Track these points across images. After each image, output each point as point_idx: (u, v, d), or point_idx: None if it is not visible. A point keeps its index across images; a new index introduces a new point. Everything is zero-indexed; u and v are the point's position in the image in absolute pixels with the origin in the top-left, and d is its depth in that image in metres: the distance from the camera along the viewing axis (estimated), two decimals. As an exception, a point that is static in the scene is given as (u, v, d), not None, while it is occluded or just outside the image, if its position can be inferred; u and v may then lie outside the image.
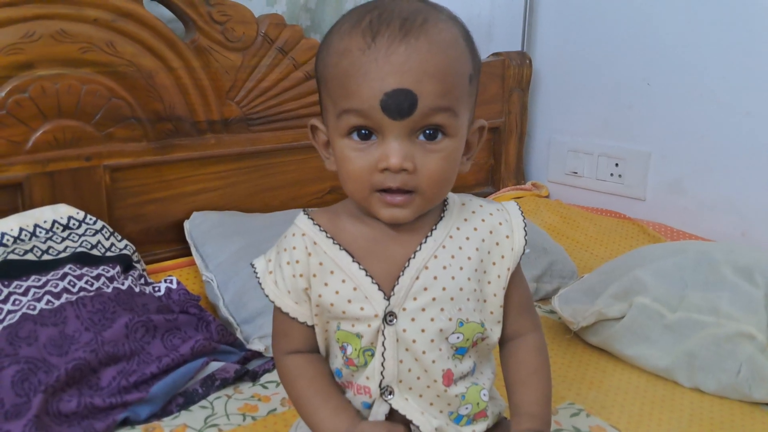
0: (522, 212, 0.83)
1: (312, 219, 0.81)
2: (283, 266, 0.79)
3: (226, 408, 1.09)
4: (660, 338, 1.18)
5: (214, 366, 1.16)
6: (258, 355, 1.24)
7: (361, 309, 0.77)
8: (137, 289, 1.25)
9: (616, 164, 1.94)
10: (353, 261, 0.77)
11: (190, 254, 1.50)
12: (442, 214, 0.80)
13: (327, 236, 0.79)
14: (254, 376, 1.18)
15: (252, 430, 1.04)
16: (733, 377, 1.10)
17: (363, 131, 0.72)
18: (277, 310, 0.82)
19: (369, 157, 0.72)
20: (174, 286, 1.31)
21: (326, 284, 0.78)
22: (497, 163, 2.11)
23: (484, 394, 0.82)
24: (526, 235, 0.81)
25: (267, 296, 0.81)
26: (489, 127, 1.99)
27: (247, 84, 1.57)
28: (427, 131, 0.71)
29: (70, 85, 1.36)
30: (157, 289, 1.30)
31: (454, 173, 0.75)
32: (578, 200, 2.02)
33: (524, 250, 0.81)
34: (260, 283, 0.82)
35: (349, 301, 0.77)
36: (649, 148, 1.87)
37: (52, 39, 1.33)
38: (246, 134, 1.60)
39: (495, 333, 0.82)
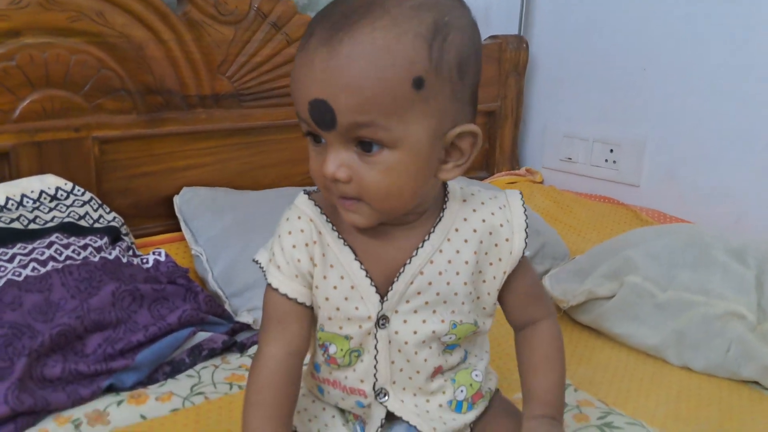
0: (525, 210, 0.78)
1: (314, 202, 0.77)
2: (287, 250, 0.75)
3: (213, 377, 1.08)
4: (650, 317, 1.18)
5: (202, 336, 1.15)
6: (246, 327, 1.23)
7: (356, 309, 0.75)
8: (125, 260, 1.24)
9: (611, 150, 1.93)
10: (355, 259, 0.75)
11: (178, 230, 1.49)
12: (441, 214, 0.76)
13: (332, 228, 0.75)
14: (242, 348, 1.17)
15: (239, 399, 1.01)
16: (722, 355, 1.10)
17: (314, 135, 0.69)
18: (276, 297, 0.76)
19: (319, 159, 0.69)
20: (162, 258, 1.29)
21: (325, 277, 0.75)
22: (492, 148, 2.10)
23: (476, 375, 0.82)
24: (527, 237, 0.77)
25: (270, 284, 0.76)
26: (485, 110, 2.02)
27: (239, 59, 1.56)
28: (362, 142, 0.66)
29: (59, 54, 1.34)
30: (145, 261, 1.28)
31: (406, 186, 0.68)
32: (572, 186, 2.02)
33: (523, 253, 0.77)
34: (265, 276, 0.77)
35: (346, 299, 0.75)
36: (644, 135, 1.86)
37: (40, 6, 1.31)
38: (237, 110, 1.58)
39: (487, 325, 0.81)
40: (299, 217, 0.76)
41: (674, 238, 1.28)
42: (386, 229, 0.75)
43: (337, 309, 0.75)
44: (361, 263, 0.74)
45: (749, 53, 1.64)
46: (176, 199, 1.51)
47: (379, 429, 0.79)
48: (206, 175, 1.58)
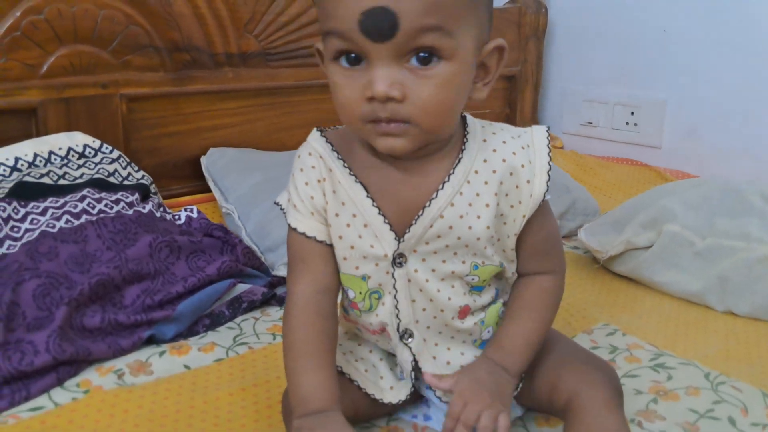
0: (550, 148, 0.75)
1: (326, 139, 0.74)
2: (300, 188, 0.74)
3: (254, 328, 1.07)
4: (690, 264, 1.17)
5: (241, 288, 1.13)
6: (284, 281, 1.21)
7: (371, 246, 0.73)
8: (158, 215, 1.22)
9: (632, 113, 1.93)
10: (367, 196, 0.72)
11: (205, 191, 1.48)
12: (461, 155, 0.72)
13: (344, 165, 0.73)
14: (281, 301, 1.15)
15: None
16: (767, 298, 1.09)
17: (351, 55, 0.65)
18: (296, 236, 0.75)
19: (357, 84, 0.65)
20: (195, 215, 1.28)
21: (337, 215, 0.73)
22: (512, 113, 2.09)
23: (503, 312, 0.79)
24: (549, 180, 0.73)
25: (289, 224, 0.75)
26: (505, 75, 2.00)
27: (266, 17, 1.54)
28: (419, 54, 0.63)
29: (87, 9, 1.33)
30: (177, 217, 1.27)
31: (456, 102, 0.67)
32: (593, 150, 2.01)
33: (544, 197, 0.73)
34: (284, 214, 0.76)
35: (360, 237, 0.73)
36: (665, 96, 1.86)
37: (69, -40, 1.29)
38: (264, 69, 1.57)
39: (511, 268, 0.78)
40: (310, 154, 0.74)
41: (710, 187, 1.27)
42: (401, 165, 0.72)
43: (352, 247, 0.73)
44: (374, 201, 0.72)
45: None
46: (203, 160, 1.50)
47: (412, 373, 0.77)
48: (233, 136, 1.56)
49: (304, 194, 0.73)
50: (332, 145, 0.74)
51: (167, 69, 1.44)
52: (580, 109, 2.05)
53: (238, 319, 1.10)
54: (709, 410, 0.85)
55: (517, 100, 2.08)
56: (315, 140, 0.75)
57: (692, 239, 1.19)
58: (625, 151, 1.94)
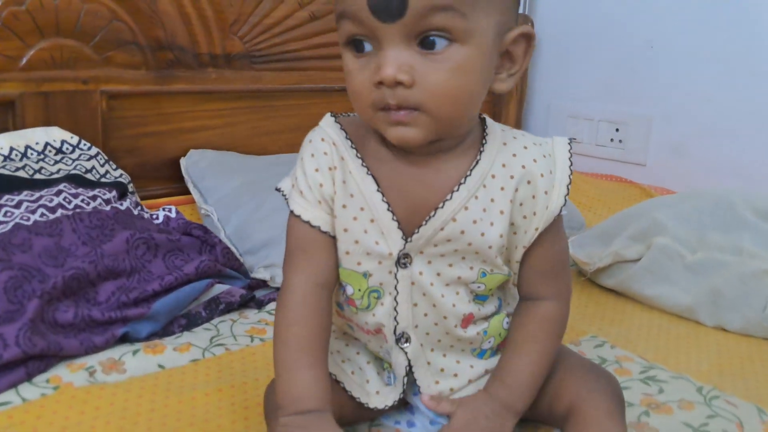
0: (572, 160, 0.72)
1: (340, 125, 0.71)
2: (309, 174, 0.70)
3: (232, 330, 1.04)
4: (681, 278, 1.16)
5: (219, 288, 1.09)
6: (263, 284, 1.18)
7: (376, 243, 0.69)
8: (136, 212, 1.18)
9: (617, 129, 1.93)
10: (377, 190, 0.69)
11: (184, 193, 1.45)
12: (479, 156, 0.69)
13: (357, 155, 0.70)
14: (260, 304, 1.13)
15: (262, 350, 0.98)
16: (759, 313, 1.08)
17: (360, 40, 0.63)
18: (299, 224, 0.71)
19: (367, 69, 0.63)
20: (173, 214, 1.25)
21: (344, 206, 0.70)
22: (496, 127, 2.07)
23: (506, 323, 0.76)
24: (567, 193, 0.70)
25: (292, 211, 0.71)
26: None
27: (251, 19, 1.52)
28: (429, 37, 0.61)
29: (70, 2, 1.30)
30: (155, 216, 1.23)
31: (472, 90, 0.64)
32: (577, 167, 1.91)
33: (561, 211, 0.70)
34: (287, 201, 0.72)
35: (365, 231, 0.69)
36: (651, 112, 1.86)
37: (54, -49, 1.27)
38: (248, 71, 1.54)
39: (513, 279, 0.75)
40: (323, 139, 0.71)
41: (701, 200, 1.26)
42: (415, 161, 0.69)
43: (356, 242, 0.70)
44: (383, 195, 0.69)
45: (759, 26, 1.65)
46: (183, 161, 1.47)
47: (405, 378, 0.74)
48: (214, 138, 1.54)
49: (313, 181, 0.70)
50: (346, 133, 0.70)
51: (150, 67, 1.41)
52: (565, 125, 2.05)
53: (215, 321, 1.07)
54: (704, 424, 0.82)
55: (500, 114, 2.06)
56: (329, 126, 0.72)
57: (683, 252, 1.17)
58: (610, 168, 1.94)
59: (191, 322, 1.04)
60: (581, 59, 2.00)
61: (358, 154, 0.70)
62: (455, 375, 0.75)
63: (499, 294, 0.77)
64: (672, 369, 0.96)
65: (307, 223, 0.70)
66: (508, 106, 2.07)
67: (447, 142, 0.68)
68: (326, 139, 0.71)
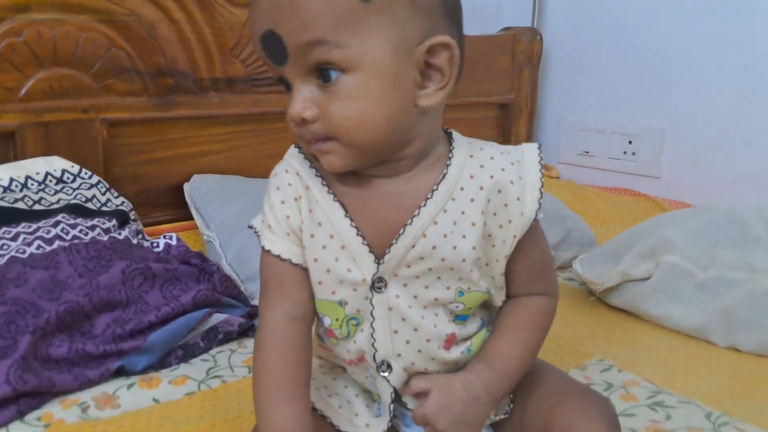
0: (542, 165, 0.70)
1: (304, 155, 0.71)
2: (276, 207, 0.69)
3: (229, 361, 1.03)
4: (692, 297, 1.13)
5: (217, 318, 1.08)
6: (263, 311, 1.16)
7: (348, 270, 0.68)
8: (135, 241, 1.18)
9: (630, 142, 1.90)
10: (345, 216, 0.68)
11: (188, 219, 1.43)
12: (445, 170, 0.68)
13: (322, 183, 0.69)
14: (259, 332, 1.10)
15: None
16: (774, 333, 1.04)
17: (283, 82, 0.65)
18: (270, 259, 0.70)
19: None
20: (174, 242, 1.23)
21: (312, 236, 0.68)
22: (506, 141, 2.05)
23: (488, 335, 0.74)
24: (541, 197, 0.69)
25: (263, 247, 0.70)
26: (498, 103, 1.98)
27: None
28: (322, 70, 0.61)
29: (68, 31, 1.30)
30: (155, 244, 1.22)
31: (375, 113, 0.62)
32: (591, 180, 1.98)
33: (536, 215, 0.69)
34: (258, 237, 0.72)
35: (336, 260, 0.68)
36: (663, 124, 1.83)
37: (50, -19, 1.27)
38: (250, 95, 1.53)
39: (499, 298, 0.73)
40: (287, 171, 0.70)
41: (711, 216, 1.23)
42: (380, 183, 0.68)
43: (328, 271, 0.68)
44: (352, 220, 0.68)
45: None
46: (186, 187, 1.46)
47: (391, 406, 0.72)
48: (218, 163, 1.53)
49: (280, 214, 0.69)
50: (310, 162, 0.70)
51: (150, 94, 1.40)
52: (577, 139, 2.03)
53: (213, 351, 1.06)
54: (711, 452, 0.80)
55: (511, 129, 2.05)
56: (292, 156, 0.71)
57: (693, 270, 1.14)
58: (623, 181, 1.91)
59: (189, 353, 1.03)
60: (592, 72, 1.99)
61: (324, 182, 0.69)
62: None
63: (482, 315, 0.75)
64: (680, 393, 0.93)
65: (277, 257, 0.69)
66: (518, 120, 2.06)
67: (406, 162, 0.67)
68: (290, 170, 0.70)
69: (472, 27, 2.02)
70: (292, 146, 0.72)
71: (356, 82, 0.61)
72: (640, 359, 1.04)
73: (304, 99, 0.62)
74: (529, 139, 2.08)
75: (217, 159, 1.53)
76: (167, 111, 1.43)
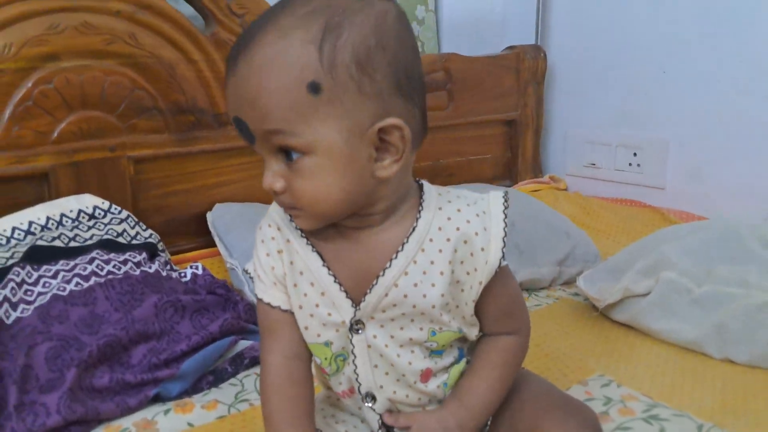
0: (506, 215, 0.75)
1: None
2: (262, 259, 0.77)
3: (255, 385, 1.10)
4: (688, 312, 1.18)
5: (243, 344, 1.16)
6: (285, 335, 1.24)
7: (329, 314, 0.75)
8: (164, 273, 1.26)
9: (635, 154, 1.96)
10: (323, 265, 0.74)
11: (211, 246, 1.52)
12: (415, 223, 0.73)
13: (301, 235, 0.75)
14: (282, 356, 1.18)
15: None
16: (766, 347, 1.10)
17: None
18: (262, 306, 0.78)
19: None
20: (200, 271, 1.32)
21: (295, 285, 0.75)
22: (514, 157, 2.12)
23: (468, 362, 0.81)
24: (504, 246, 0.74)
25: (255, 295, 0.78)
26: (505, 120, 2.05)
27: (268, 75, 1.59)
28: (284, 151, 0.67)
29: (94, 76, 1.38)
30: (183, 275, 1.31)
31: (332, 188, 0.68)
32: (597, 192, 2.04)
33: (500, 263, 0.74)
34: (254, 284, 0.80)
35: (317, 305, 0.75)
36: (667, 136, 1.89)
37: (77, 31, 1.36)
38: (266, 126, 1.61)
39: (472, 333, 0.79)
40: (269, 225, 0.77)
41: (708, 233, 1.28)
42: (354, 234, 0.74)
43: (311, 316, 0.75)
44: (329, 269, 0.74)
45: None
46: (209, 215, 1.54)
47: (380, 431, 0.79)
48: (237, 191, 1.61)
49: (266, 265, 0.76)
50: (290, 216, 0.75)
51: (172, 130, 1.49)
52: (583, 151, 2.09)
53: (240, 375, 1.13)
54: (700, 463, 0.86)
55: (518, 144, 2.11)
56: (275, 211, 0.77)
57: (689, 286, 1.20)
58: (629, 192, 1.97)
59: (218, 378, 1.11)
60: (596, 86, 2.04)
61: (302, 234, 0.75)
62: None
63: (459, 345, 0.81)
64: (675, 406, 0.99)
65: (268, 304, 0.77)
66: (525, 135, 2.12)
67: (374, 217, 0.73)
68: (272, 224, 0.77)
69: (476, 47, 2.09)
70: (274, 203, 0.77)
71: (313, 163, 0.66)
72: (639, 374, 1.10)
73: (273, 173, 0.68)
74: (536, 152, 2.15)
75: (237, 188, 1.61)
76: (188, 146, 1.51)
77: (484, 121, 2.01)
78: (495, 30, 2.19)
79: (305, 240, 0.75)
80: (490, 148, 2.07)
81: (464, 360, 0.81)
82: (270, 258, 0.76)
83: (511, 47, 2.09)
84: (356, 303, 0.74)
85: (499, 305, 0.78)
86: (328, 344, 0.76)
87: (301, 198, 0.68)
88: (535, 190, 2.03)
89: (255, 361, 1.15)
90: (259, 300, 0.78)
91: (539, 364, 1.12)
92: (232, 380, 1.12)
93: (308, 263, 0.74)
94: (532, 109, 2.11)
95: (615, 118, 2.01)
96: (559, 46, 2.12)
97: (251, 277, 0.81)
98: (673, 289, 1.21)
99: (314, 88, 0.64)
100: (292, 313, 0.77)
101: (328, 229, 0.74)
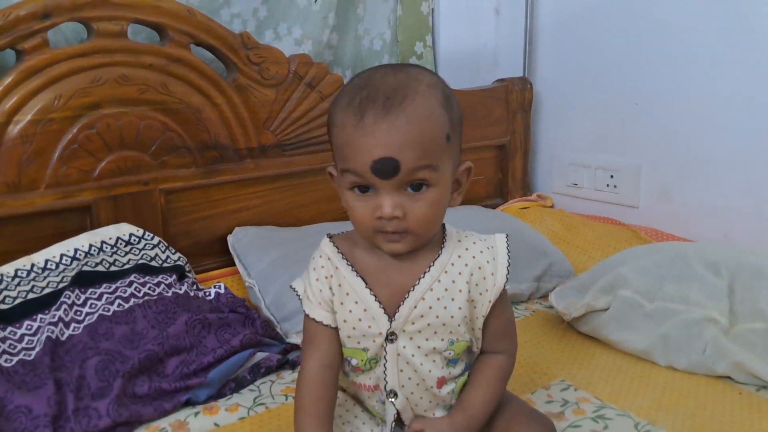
0: (509, 251, 0.96)
1: (334, 243, 0.96)
2: (312, 283, 0.95)
3: (271, 390, 1.27)
4: (640, 325, 1.35)
5: (260, 356, 1.34)
6: (296, 347, 1.42)
7: (369, 327, 0.93)
8: (192, 294, 1.46)
9: (611, 176, 2.11)
10: (366, 287, 0.93)
11: (233, 264, 1.71)
12: (440, 252, 0.94)
13: (347, 264, 0.94)
14: (294, 365, 1.36)
15: (293, 407, 1.21)
16: (700, 355, 1.27)
17: (362, 186, 0.86)
18: (309, 321, 0.96)
19: (368, 205, 0.87)
20: (222, 291, 1.51)
21: (342, 303, 0.93)
22: (505, 177, 2.29)
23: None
24: (508, 273, 0.95)
25: (304, 311, 0.96)
26: (496, 144, 2.26)
27: (281, 115, 1.79)
28: (413, 184, 0.85)
29: (131, 121, 1.57)
30: (207, 294, 1.50)
31: (439, 213, 0.90)
32: (579, 209, 2.20)
33: (504, 287, 0.95)
34: (300, 301, 0.99)
35: (360, 320, 0.93)
36: (640, 161, 2.03)
37: (116, 83, 1.55)
38: (281, 158, 1.81)
39: (477, 345, 1.00)
40: (321, 256, 0.96)
41: (661, 255, 1.46)
42: (393, 262, 0.93)
43: (354, 328, 0.94)
44: (371, 290, 0.93)
45: (732, 87, 1.81)
46: (230, 239, 1.73)
47: (393, 424, 0.99)
48: (256, 215, 1.81)
49: (316, 289, 0.95)
50: (338, 248, 0.97)
51: (198, 165, 1.68)
52: (567, 172, 2.25)
53: (258, 382, 1.29)
54: (633, 454, 1.04)
55: (509, 166, 2.27)
56: (325, 245, 0.98)
57: (641, 302, 1.37)
58: (607, 210, 2.12)
59: (239, 385, 1.28)
60: (578, 114, 2.19)
61: (348, 263, 0.96)
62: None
63: (465, 359, 1.01)
64: (619, 407, 1.16)
65: (314, 320, 0.96)
66: (514, 158, 2.28)
67: (418, 246, 0.94)
68: (323, 256, 0.97)
69: (472, 80, 2.27)
70: (326, 236, 0.99)
71: (437, 193, 0.87)
72: (594, 378, 1.27)
73: (394, 203, 0.85)
74: (525, 174, 2.31)
75: (255, 212, 1.80)
76: (212, 178, 1.71)
77: (478, 146, 2.20)
78: (487, 64, 2.35)
79: (351, 267, 0.95)
80: (484, 170, 2.26)
81: (467, 373, 1.01)
82: (319, 283, 0.95)
83: (500, 80, 2.25)
84: (391, 316, 0.93)
85: (499, 324, 0.99)
86: (365, 350, 0.95)
87: (419, 222, 0.87)
88: (524, 207, 2.21)
89: (270, 370, 1.33)
90: (306, 315, 0.96)
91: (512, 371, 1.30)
92: (251, 387, 1.28)
93: (354, 286, 0.93)
94: (520, 134, 2.27)
95: (594, 143, 2.16)
96: (544, 78, 2.28)
97: (298, 296, 0.99)
98: (628, 305, 1.38)
99: (448, 138, 0.87)
100: (333, 328, 0.95)
101: (370, 257, 0.95)
